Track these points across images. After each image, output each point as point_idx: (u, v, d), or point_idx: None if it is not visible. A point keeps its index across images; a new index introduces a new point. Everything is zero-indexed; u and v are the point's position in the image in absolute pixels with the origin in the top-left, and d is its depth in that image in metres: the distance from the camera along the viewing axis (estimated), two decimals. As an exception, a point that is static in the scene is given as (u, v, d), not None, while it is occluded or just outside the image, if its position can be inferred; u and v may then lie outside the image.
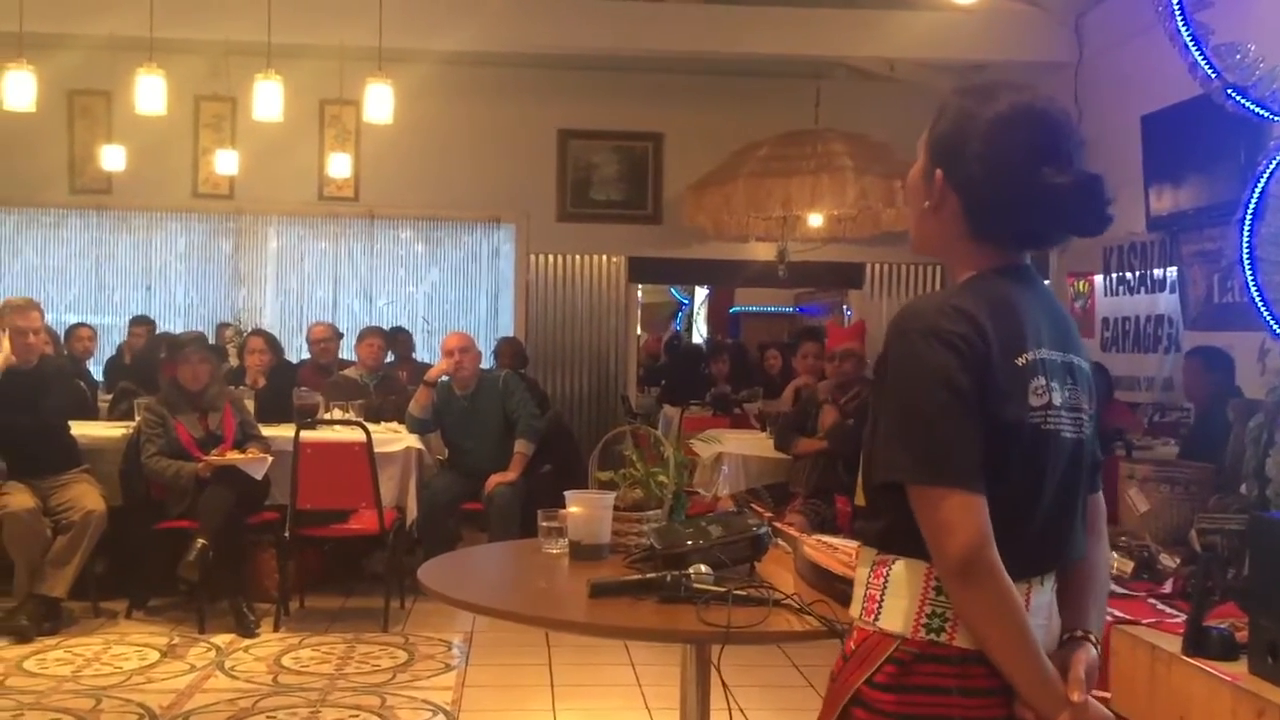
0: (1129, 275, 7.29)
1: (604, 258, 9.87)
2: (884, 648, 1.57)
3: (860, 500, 1.69)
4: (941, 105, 1.72)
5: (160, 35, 6.59)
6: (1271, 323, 4.14)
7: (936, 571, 1.54)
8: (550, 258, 9.83)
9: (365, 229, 9.74)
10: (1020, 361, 1.57)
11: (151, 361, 7.34)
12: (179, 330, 8.79)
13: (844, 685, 1.60)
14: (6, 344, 5.48)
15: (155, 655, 5.13)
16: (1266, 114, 4.08)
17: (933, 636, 1.55)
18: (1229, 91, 4.08)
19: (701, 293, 15.65)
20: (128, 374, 7.85)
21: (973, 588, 1.50)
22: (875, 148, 8.51)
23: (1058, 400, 1.59)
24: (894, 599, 1.58)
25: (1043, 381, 1.58)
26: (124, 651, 5.18)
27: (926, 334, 1.53)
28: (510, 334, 9.43)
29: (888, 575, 1.59)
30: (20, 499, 5.36)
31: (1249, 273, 4.15)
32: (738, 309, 15.39)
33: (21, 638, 5.23)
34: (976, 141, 1.63)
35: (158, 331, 8.90)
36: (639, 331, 11.76)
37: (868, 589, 1.62)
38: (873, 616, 1.60)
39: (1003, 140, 1.62)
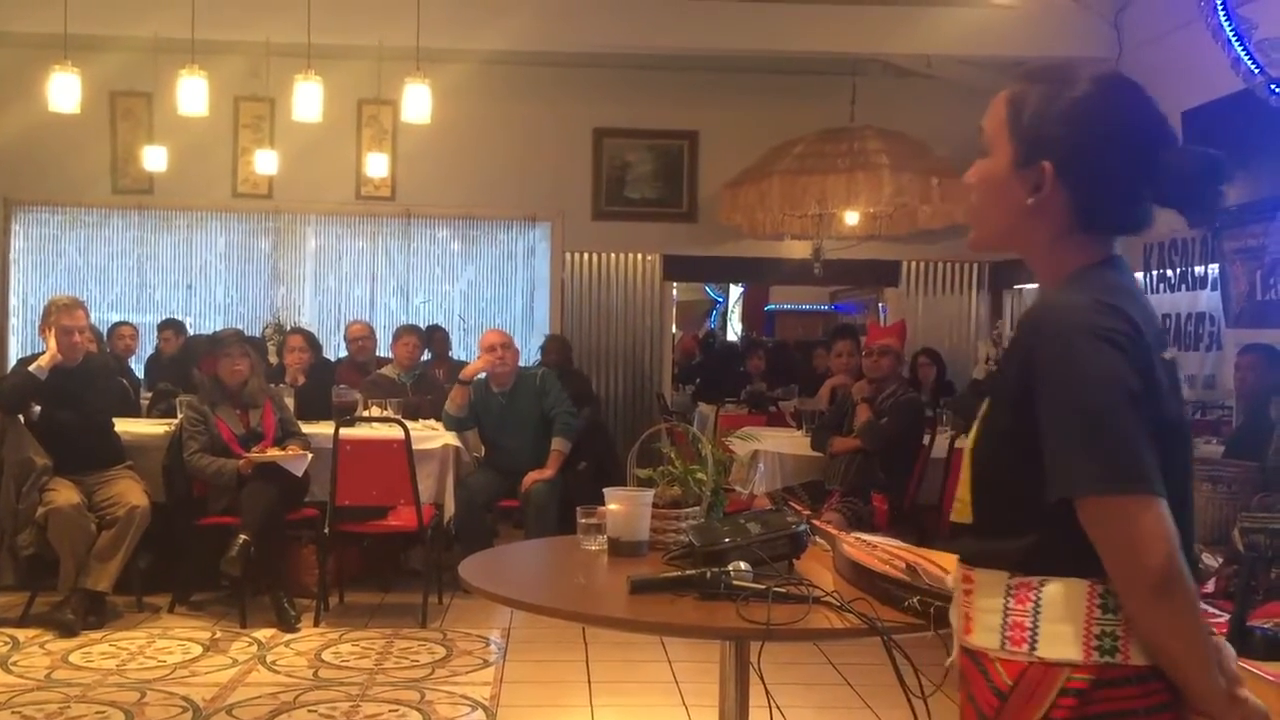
0: (1170, 272, 7.22)
1: (639, 256, 9.89)
2: (1052, 679, 1.44)
3: (963, 517, 1.57)
4: (1015, 94, 1.59)
5: (201, 37, 6.67)
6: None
7: (1124, 587, 1.41)
8: (585, 256, 9.86)
9: (402, 228, 9.81)
10: (1167, 356, 1.50)
11: (187, 361, 7.44)
12: (219, 329, 8.90)
13: None
14: (53, 343, 5.56)
15: (198, 649, 5.19)
16: (1311, 109, 4.04)
17: (1107, 659, 1.43)
18: (1272, 87, 4.04)
19: (736, 290, 15.63)
20: (166, 373, 7.96)
21: (1172, 599, 1.39)
22: (912, 145, 8.48)
23: (1185, 396, 1.56)
24: (1053, 624, 1.45)
25: (1180, 377, 1.53)
26: (167, 645, 5.25)
27: (1089, 333, 1.42)
28: (546, 331, 9.48)
29: (1038, 599, 1.46)
30: (66, 494, 5.44)
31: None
32: (773, 306, 15.36)
33: (67, 631, 5.31)
34: (1087, 127, 1.52)
35: (195, 331, 9.02)
36: (674, 329, 11.76)
37: (1010, 616, 1.48)
38: (1026, 646, 1.46)
39: (1116, 123, 1.53)
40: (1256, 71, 4.04)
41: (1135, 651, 1.43)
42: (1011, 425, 1.49)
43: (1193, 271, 6.98)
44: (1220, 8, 4.11)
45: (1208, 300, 6.81)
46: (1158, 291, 7.35)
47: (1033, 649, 1.46)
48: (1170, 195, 1.56)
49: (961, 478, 1.59)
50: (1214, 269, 6.73)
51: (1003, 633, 1.48)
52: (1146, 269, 7.45)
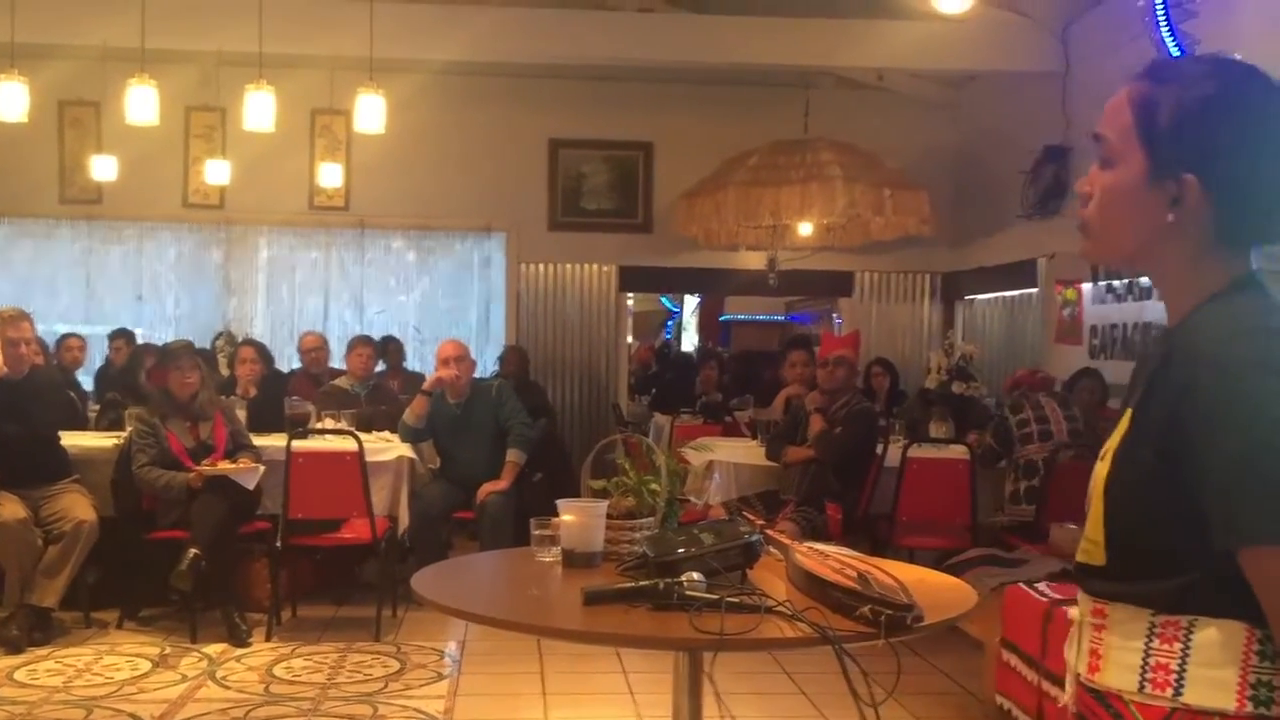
0: (1116, 283, 7.33)
1: (595, 267, 9.90)
2: None
3: (1094, 559, 1.45)
4: (1140, 95, 1.42)
5: (151, 46, 6.60)
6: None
7: None
8: (541, 267, 9.86)
9: (356, 238, 9.76)
10: None
11: (134, 372, 7.34)
12: (170, 341, 8.79)
13: None
14: (-2, 355, 5.48)
15: (147, 665, 5.12)
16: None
17: (1262, 710, 1.32)
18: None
19: (692, 301, 15.68)
20: (115, 384, 7.85)
21: None
22: (864, 156, 8.56)
23: None
24: (1204, 669, 1.35)
25: None
26: (115, 662, 5.17)
27: (1259, 367, 1.29)
28: (501, 342, 9.48)
29: (1188, 641, 1.36)
30: (11, 509, 5.35)
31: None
32: (728, 317, 15.42)
33: (12, 648, 5.22)
34: (1230, 131, 1.37)
35: (145, 343, 8.91)
36: (629, 340, 11.78)
37: (1152, 657, 1.38)
38: (1170, 690, 1.36)
39: (1258, 123, 1.38)
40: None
41: None
42: (1160, 461, 1.36)
43: (1139, 282, 7.09)
44: (1164, 23, 4.20)
45: (1154, 310, 6.91)
46: (1105, 301, 7.47)
47: (1178, 694, 1.36)
48: None
49: (1091, 516, 1.46)
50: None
51: (1142, 674, 1.39)
52: (1095, 279, 7.57)
